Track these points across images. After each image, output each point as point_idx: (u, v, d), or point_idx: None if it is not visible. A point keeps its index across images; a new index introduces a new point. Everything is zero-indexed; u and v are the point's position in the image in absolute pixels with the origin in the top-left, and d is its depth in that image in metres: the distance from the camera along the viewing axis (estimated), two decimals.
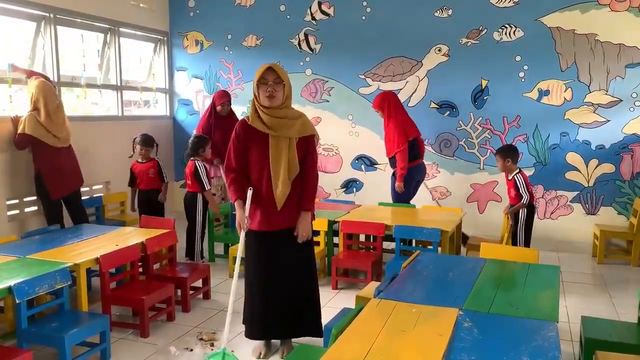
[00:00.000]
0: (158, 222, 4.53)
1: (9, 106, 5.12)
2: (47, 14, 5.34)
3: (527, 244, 4.62)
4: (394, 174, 5.44)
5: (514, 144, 5.86)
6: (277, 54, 6.57)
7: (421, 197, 6.17)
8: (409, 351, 2.07)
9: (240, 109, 6.86)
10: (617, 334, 2.90)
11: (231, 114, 6.02)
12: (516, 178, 4.59)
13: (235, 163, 3.12)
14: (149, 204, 5.20)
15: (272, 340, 3.34)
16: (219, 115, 5.88)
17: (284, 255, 3.18)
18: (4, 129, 4.83)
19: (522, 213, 4.58)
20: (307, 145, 3.15)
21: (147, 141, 5.25)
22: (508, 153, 4.68)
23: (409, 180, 5.33)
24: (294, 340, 3.34)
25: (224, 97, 5.89)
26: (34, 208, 5.19)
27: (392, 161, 5.42)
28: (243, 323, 3.39)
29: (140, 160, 5.26)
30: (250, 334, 3.29)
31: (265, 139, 3.05)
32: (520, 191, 4.54)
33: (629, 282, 4.85)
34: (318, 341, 3.23)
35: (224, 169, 3.23)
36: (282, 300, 3.19)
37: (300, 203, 3.11)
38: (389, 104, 5.36)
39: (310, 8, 6.46)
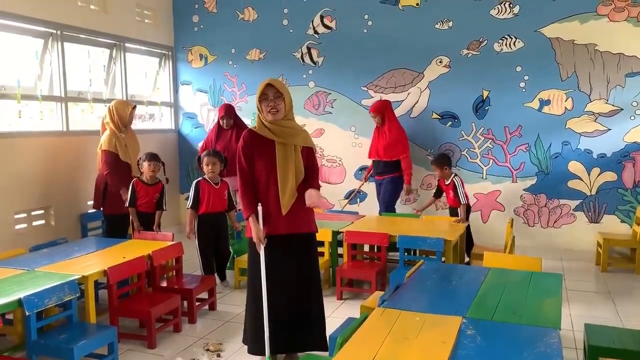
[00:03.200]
0: (153, 237, 4.50)
1: (17, 121, 5.19)
2: (54, 31, 5.45)
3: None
4: (392, 181, 5.73)
5: (516, 153, 5.92)
6: (281, 67, 6.66)
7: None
8: (413, 359, 2.10)
9: (245, 122, 6.93)
10: (620, 340, 2.92)
11: (235, 125, 6.02)
12: (455, 181, 5.15)
13: (248, 170, 3.18)
14: (148, 227, 4.78)
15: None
16: (222, 127, 6.01)
17: (289, 263, 3.20)
18: (12, 146, 4.92)
19: (462, 212, 5.12)
20: (310, 156, 3.29)
21: (156, 156, 4.90)
22: (444, 161, 5.25)
23: (401, 188, 5.79)
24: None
25: (220, 112, 6.04)
26: (42, 222, 5.26)
27: (386, 165, 5.73)
28: (244, 342, 3.42)
29: (146, 180, 4.83)
30: (257, 350, 3.26)
31: (271, 146, 3.14)
32: (459, 194, 5.09)
33: (632, 290, 4.86)
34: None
35: (237, 178, 3.23)
36: (287, 312, 3.19)
37: (309, 187, 3.18)
38: (389, 110, 5.82)
39: (312, 22, 6.56)
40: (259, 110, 3.17)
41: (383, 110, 5.82)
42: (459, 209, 5.16)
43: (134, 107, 5.22)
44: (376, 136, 5.93)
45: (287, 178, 3.13)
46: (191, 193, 4.68)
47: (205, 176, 4.74)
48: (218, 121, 6.07)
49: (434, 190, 6.23)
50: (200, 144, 6.54)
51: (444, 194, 5.42)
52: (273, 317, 3.14)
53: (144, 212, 4.82)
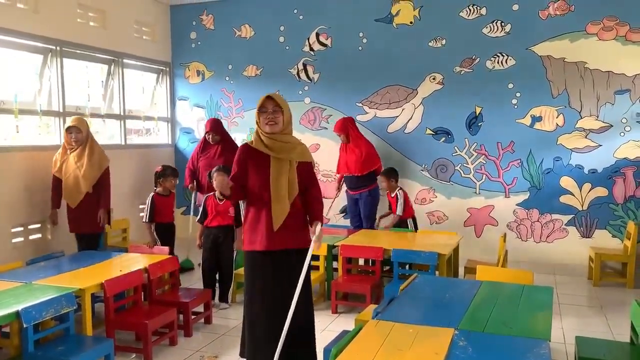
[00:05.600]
0: (150, 251, 4.59)
1: (16, 135, 5.25)
2: (53, 47, 5.52)
3: None
4: (370, 194, 5.86)
5: (508, 169, 6.01)
6: (277, 84, 6.75)
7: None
8: None
9: (241, 136, 7.01)
10: (610, 353, 2.97)
11: (222, 140, 6.04)
12: (398, 194, 5.35)
13: (239, 178, 3.22)
14: (169, 237, 5.03)
15: None
16: (208, 142, 6.03)
17: (282, 279, 3.20)
18: (9, 160, 4.96)
19: (411, 224, 5.47)
20: (307, 171, 3.27)
21: (176, 171, 5.15)
22: (391, 174, 5.45)
23: (378, 199, 5.95)
24: None
25: (206, 127, 6.04)
26: (38, 235, 5.28)
27: (360, 180, 5.84)
28: (241, 346, 3.43)
29: (162, 192, 5.07)
30: (249, 357, 3.29)
31: (266, 161, 3.16)
32: (398, 205, 5.34)
33: (624, 304, 4.90)
34: None
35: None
36: (279, 327, 3.15)
37: (312, 218, 3.23)
38: (352, 126, 6.02)
39: (308, 39, 6.67)
40: (257, 123, 3.20)
41: (346, 128, 5.98)
42: (408, 220, 5.47)
43: (75, 128, 4.96)
44: (344, 152, 6.06)
45: (280, 194, 3.12)
46: (200, 208, 4.83)
47: (216, 192, 4.77)
48: (204, 136, 6.09)
49: (427, 204, 6.35)
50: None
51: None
52: (268, 327, 3.15)
53: (162, 222, 4.98)
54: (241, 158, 3.22)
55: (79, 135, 4.94)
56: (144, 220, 4.97)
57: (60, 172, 4.99)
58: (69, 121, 5.04)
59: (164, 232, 5.01)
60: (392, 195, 5.45)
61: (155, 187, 5.12)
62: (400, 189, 5.46)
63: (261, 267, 3.20)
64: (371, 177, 5.88)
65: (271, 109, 3.13)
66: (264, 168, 3.16)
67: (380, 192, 5.90)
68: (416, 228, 5.57)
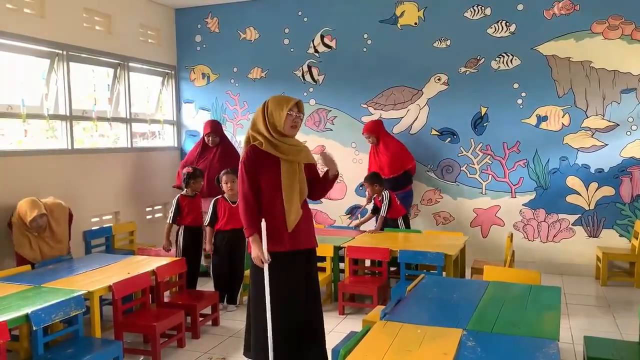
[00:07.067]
0: (157, 253, 4.65)
1: (24, 139, 5.28)
2: (60, 51, 5.56)
3: None
4: (406, 195, 5.89)
5: (514, 169, 5.99)
6: (282, 86, 6.76)
7: (423, 222, 6.28)
8: None
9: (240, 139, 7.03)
10: (619, 352, 2.95)
11: (221, 143, 6.00)
12: (383, 195, 5.40)
13: (250, 187, 3.17)
14: (199, 243, 4.93)
15: None
16: (207, 144, 5.99)
17: (293, 279, 3.22)
18: (17, 164, 4.99)
19: (401, 223, 5.50)
20: (313, 172, 3.39)
21: (203, 172, 5.09)
22: (374, 180, 5.47)
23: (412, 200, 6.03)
24: None
25: (206, 128, 5.98)
26: None
27: (394, 181, 5.78)
28: (244, 353, 3.41)
29: (187, 194, 4.96)
30: (254, 357, 3.28)
31: (276, 164, 3.17)
32: (383, 206, 5.37)
33: (632, 303, 4.89)
34: None
35: (239, 195, 3.26)
36: (296, 328, 3.18)
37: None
38: (382, 128, 6.05)
39: (313, 41, 6.68)
40: (275, 123, 3.14)
41: (377, 130, 6.00)
42: (398, 220, 5.48)
43: (39, 216, 4.31)
44: (374, 155, 6.06)
45: (293, 196, 3.16)
46: (209, 210, 4.78)
47: (225, 195, 4.78)
48: (203, 138, 6.03)
49: (434, 205, 6.35)
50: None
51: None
52: (282, 334, 3.13)
53: (190, 225, 4.91)
54: (251, 161, 3.19)
55: (44, 218, 4.37)
56: (167, 221, 4.95)
57: (35, 255, 4.41)
58: (31, 210, 4.30)
59: (194, 240, 4.88)
60: (380, 199, 5.45)
61: (186, 189, 4.97)
62: (386, 189, 5.43)
63: (273, 268, 3.20)
64: (407, 178, 5.95)
65: (295, 113, 3.20)
66: (274, 171, 3.17)
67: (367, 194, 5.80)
68: (408, 226, 5.56)
